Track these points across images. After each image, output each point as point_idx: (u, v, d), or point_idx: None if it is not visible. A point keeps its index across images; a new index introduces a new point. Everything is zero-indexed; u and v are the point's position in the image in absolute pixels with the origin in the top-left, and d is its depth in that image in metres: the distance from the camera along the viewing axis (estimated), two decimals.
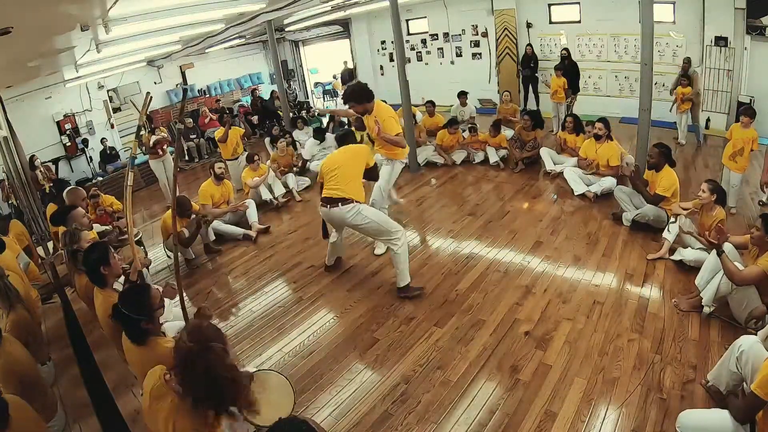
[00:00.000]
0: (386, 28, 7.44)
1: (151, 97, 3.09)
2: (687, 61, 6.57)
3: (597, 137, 5.14)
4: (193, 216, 4.56)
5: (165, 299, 2.42)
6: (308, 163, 6.98)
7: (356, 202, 3.43)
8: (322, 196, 3.54)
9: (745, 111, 4.59)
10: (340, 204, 3.41)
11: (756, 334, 2.30)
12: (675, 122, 6.77)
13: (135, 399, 2.87)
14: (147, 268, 4.39)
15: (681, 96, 6.42)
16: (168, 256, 4.81)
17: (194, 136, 9.61)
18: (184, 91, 2.97)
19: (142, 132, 7.75)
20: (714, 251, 3.01)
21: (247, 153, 6.39)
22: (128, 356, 2.20)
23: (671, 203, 4.03)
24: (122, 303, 2.07)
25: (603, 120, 5.18)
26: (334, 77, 13.47)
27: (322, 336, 3.35)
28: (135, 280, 2.88)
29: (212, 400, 1.55)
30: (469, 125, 6.90)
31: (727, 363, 2.27)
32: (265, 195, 5.95)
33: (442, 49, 10.67)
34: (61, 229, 3.89)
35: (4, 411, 1.88)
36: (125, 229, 4.01)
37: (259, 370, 2.10)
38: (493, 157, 6.40)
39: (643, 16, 4.33)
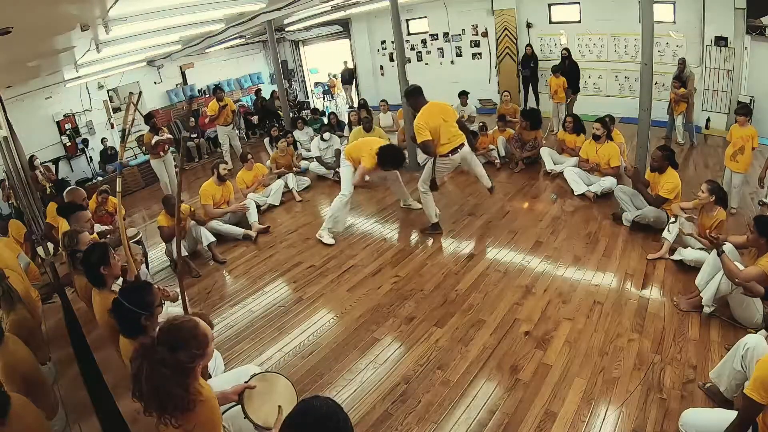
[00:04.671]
0: (386, 28, 7.43)
1: (141, 92, 3.09)
2: (682, 62, 6.57)
3: (596, 137, 5.14)
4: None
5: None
6: (309, 163, 6.99)
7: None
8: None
9: (739, 111, 4.71)
10: None
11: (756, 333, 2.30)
12: (666, 122, 6.78)
13: None
14: (147, 266, 4.39)
15: (674, 97, 6.42)
16: (168, 260, 4.81)
17: (194, 136, 9.62)
18: (139, 94, 3.06)
19: (144, 132, 7.76)
20: (714, 251, 3.01)
21: (240, 153, 6.35)
22: (125, 353, 2.20)
23: (671, 204, 4.03)
24: (125, 296, 2.08)
25: (601, 120, 5.18)
26: (334, 76, 13.43)
27: (322, 336, 3.35)
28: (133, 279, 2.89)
29: (151, 406, 1.53)
30: (480, 124, 6.76)
31: (731, 361, 2.26)
32: (260, 200, 5.87)
33: (442, 49, 10.66)
34: (63, 227, 3.90)
35: (4, 403, 1.88)
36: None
37: (267, 372, 2.11)
38: (502, 152, 6.41)
39: (643, 16, 4.32)
